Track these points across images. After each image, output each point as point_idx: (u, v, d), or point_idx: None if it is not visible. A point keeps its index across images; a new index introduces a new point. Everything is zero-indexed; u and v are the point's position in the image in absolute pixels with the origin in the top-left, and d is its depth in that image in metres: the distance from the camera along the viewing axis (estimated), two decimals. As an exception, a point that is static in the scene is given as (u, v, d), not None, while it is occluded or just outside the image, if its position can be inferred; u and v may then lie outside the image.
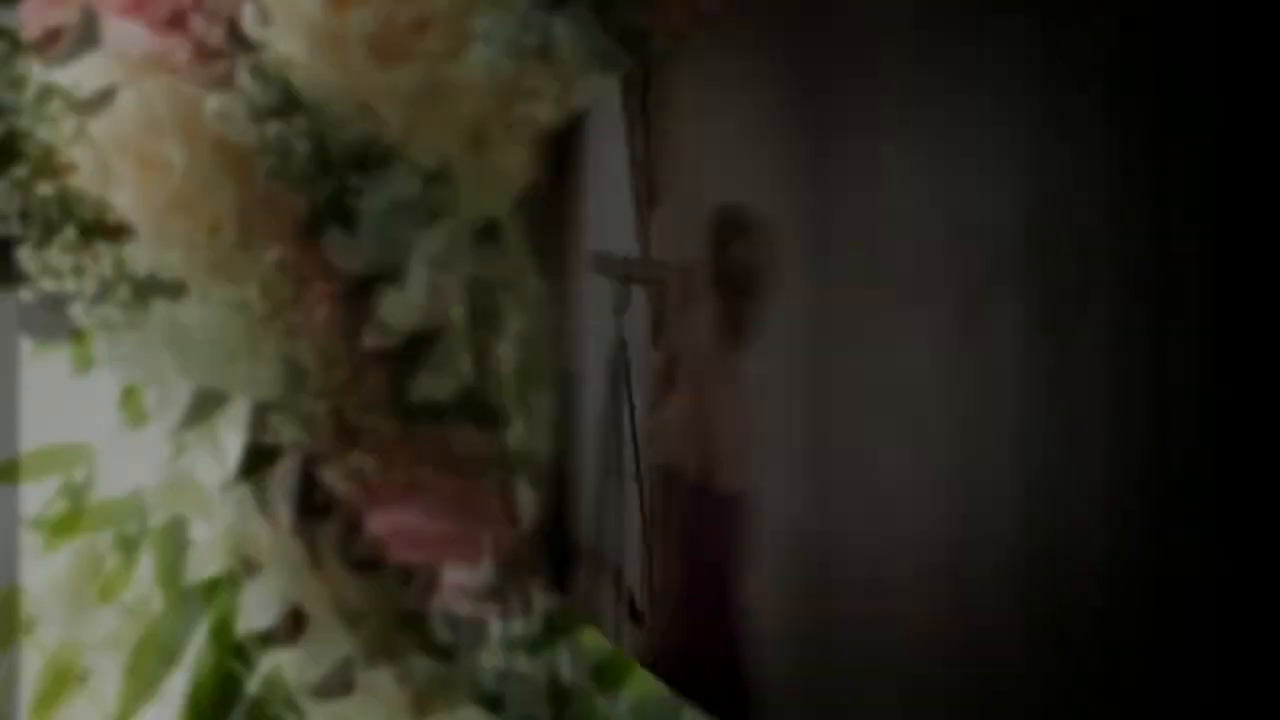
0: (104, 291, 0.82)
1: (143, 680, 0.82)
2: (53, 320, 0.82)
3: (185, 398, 0.80)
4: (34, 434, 0.84)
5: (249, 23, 0.83)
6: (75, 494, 0.80)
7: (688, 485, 0.81)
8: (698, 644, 0.85)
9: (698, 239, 0.85)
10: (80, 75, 0.81)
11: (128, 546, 0.81)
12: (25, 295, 0.81)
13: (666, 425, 0.82)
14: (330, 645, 0.87)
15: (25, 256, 0.79)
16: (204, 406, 0.80)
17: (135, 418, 0.83)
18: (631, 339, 1.36)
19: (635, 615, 2.50)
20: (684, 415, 0.82)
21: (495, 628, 0.88)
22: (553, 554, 1.46)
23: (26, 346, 0.85)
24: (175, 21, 0.80)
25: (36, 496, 0.82)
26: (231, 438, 0.81)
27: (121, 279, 0.82)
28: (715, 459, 0.82)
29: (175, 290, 0.84)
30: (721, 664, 0.86)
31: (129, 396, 0.83)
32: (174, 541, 0.80)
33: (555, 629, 0.91)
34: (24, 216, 0.78)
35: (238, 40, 0.81)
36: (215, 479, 0.80)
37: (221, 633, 0.82)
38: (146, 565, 0.82)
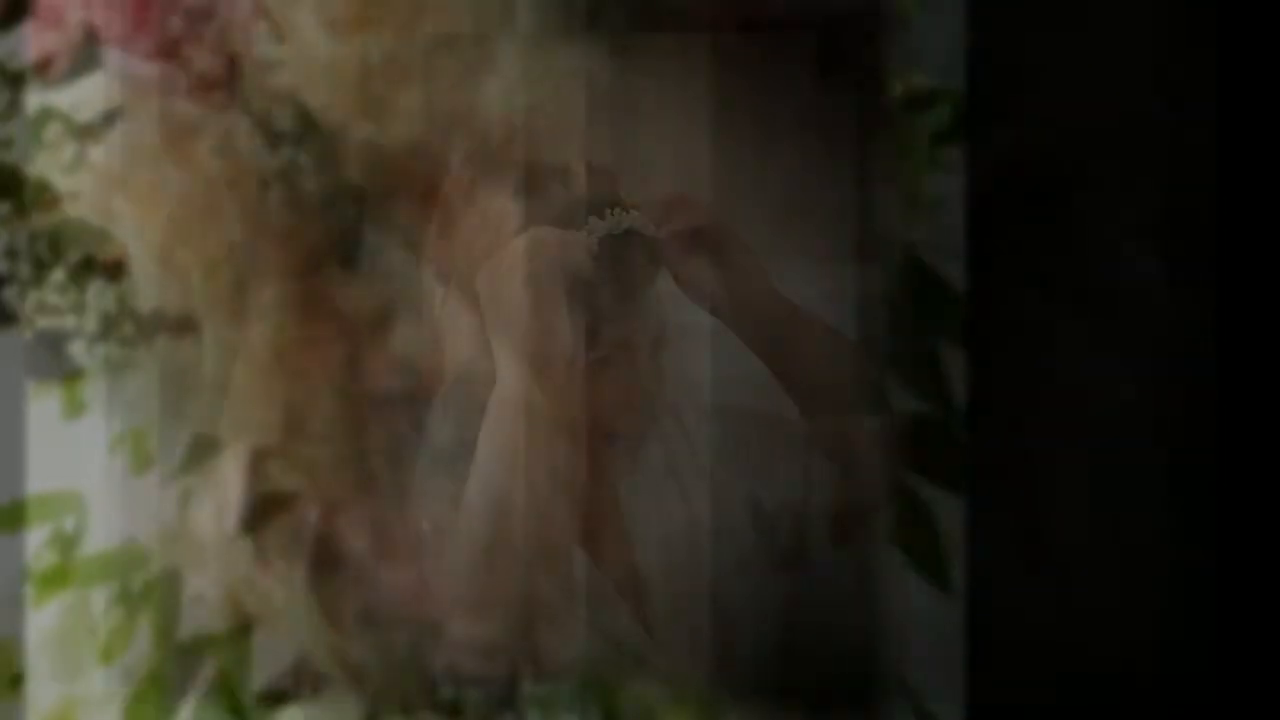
0: (106, 328, 0.79)
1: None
2: (52, 360, 0.79)
3: (184, 443, 0.76)
4: (34, 479, 0.80)
5: (260, 44, 0.80)
6: (66, 545, 0.77)
7: None
8: None
9: None
10: (80, 98, 0.78)
11: (128, 602, 0.77)
12: (27, 334, 0.78)
13: None
14: (339, 702, 0.82)
15: (16, 295, 0.75)
16: (200, 452, 0.76)
17: (138, 464, 0.79)
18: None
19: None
20: None
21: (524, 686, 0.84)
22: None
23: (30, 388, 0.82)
24: (173, 48, 0.76)
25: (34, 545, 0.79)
26: (233, 487, 0.77)
27: (125, 315, 0.79)
28: None
29: (182, 327, 0.80)
30: None
31: (131, 442, 0.79)
32: (169, 595, 0.76)
33: (587, 686, 0.86)
34: (12, 254, 0.75)
35: (237, 68, 0.77)
36: (212, 530, 0.76)
37: (221, 690, 0.78)
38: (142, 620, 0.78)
